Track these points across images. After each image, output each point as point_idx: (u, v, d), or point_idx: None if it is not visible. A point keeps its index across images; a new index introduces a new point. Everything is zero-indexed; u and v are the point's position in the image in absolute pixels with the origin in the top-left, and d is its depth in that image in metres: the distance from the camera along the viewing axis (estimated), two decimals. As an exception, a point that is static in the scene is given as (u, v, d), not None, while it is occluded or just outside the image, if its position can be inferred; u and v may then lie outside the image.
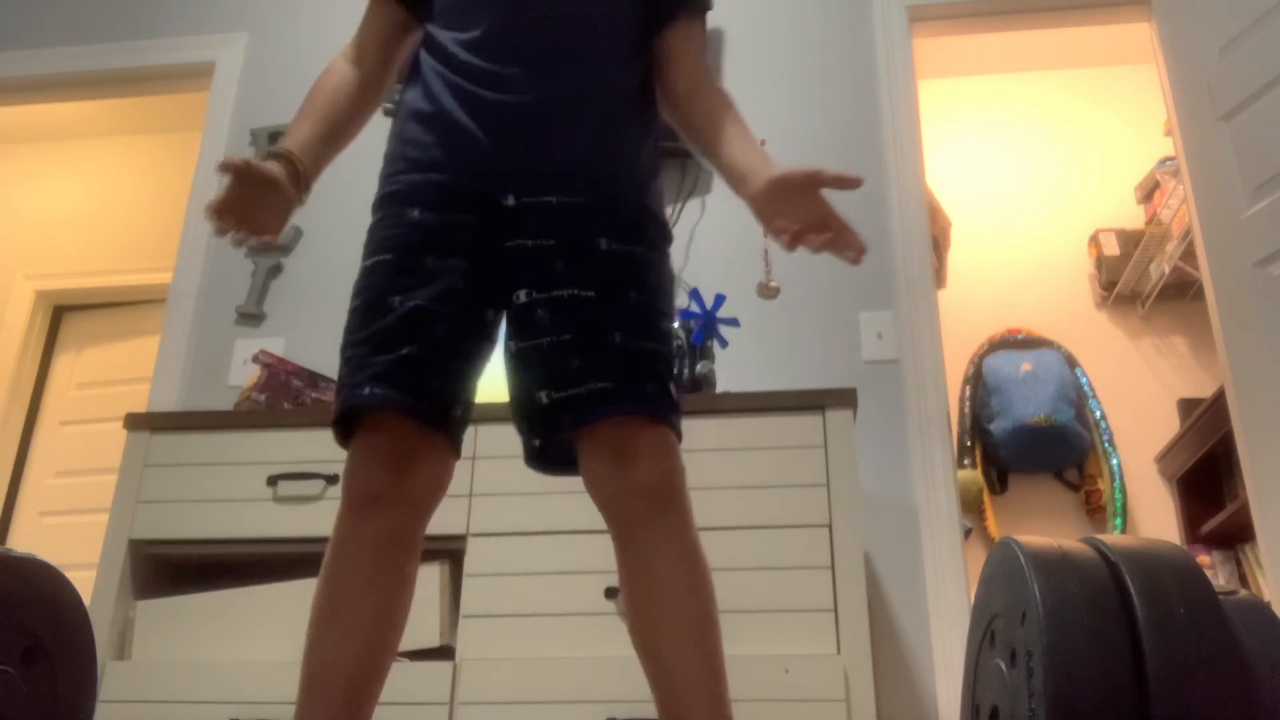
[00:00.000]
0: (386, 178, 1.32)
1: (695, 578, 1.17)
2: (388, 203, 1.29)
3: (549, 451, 1.24)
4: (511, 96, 1.26)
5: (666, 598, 1.16)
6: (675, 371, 1.26)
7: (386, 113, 1.50)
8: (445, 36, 1.33)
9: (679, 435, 1.22)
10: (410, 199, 1.27)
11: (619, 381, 1.17)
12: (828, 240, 1.15)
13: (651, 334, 1.22)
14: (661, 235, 1.32)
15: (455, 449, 1.25)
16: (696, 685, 1.13)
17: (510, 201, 1.25)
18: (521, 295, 1.23)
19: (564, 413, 1.18)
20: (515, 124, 1.26)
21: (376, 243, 1.28)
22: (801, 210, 1.16)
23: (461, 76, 1.29)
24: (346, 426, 1.21)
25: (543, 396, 1.20)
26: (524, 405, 1.24)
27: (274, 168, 1.22)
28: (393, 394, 1.17)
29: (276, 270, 2.89)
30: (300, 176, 1.25)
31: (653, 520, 1.16)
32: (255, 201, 1.19)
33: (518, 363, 1.24)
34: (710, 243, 2.73)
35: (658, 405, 1.19)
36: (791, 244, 1.15)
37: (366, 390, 1.18)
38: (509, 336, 1.26)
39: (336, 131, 1.33)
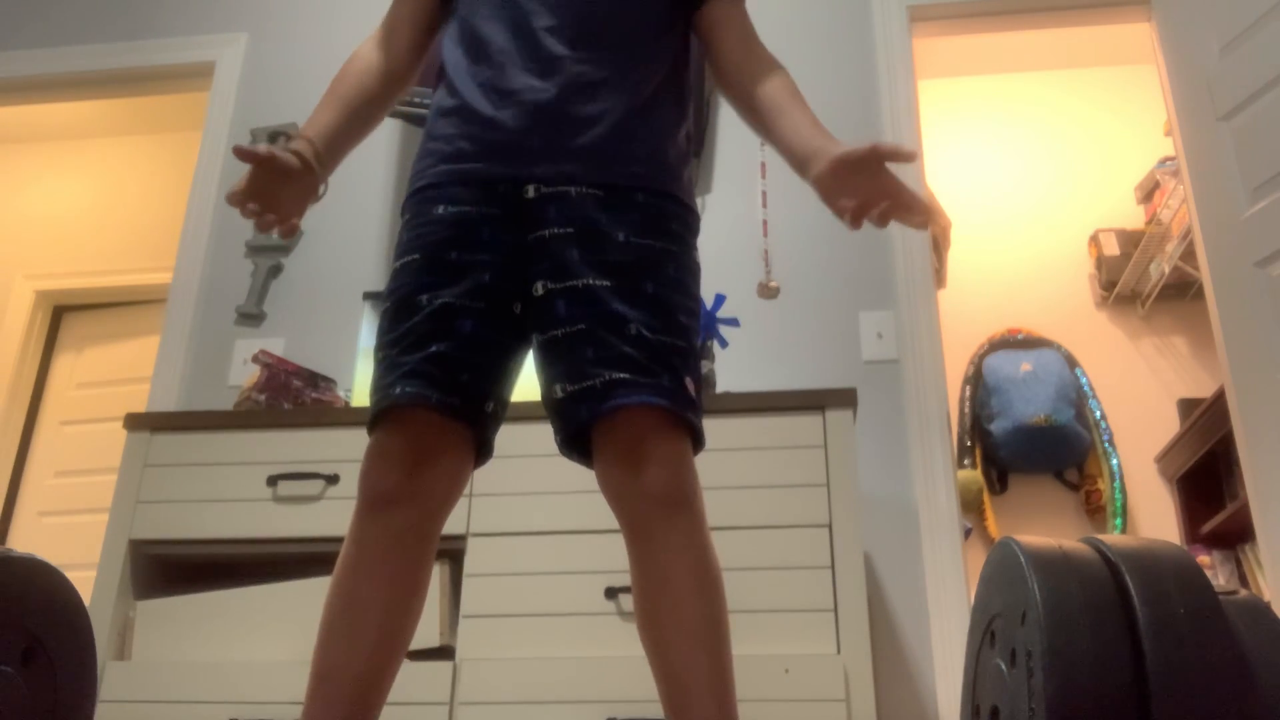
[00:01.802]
0: (415, 176, 1.32)
1: (705, 580, 1.16)
2: (415, 201, 1.29)
3: (573, 443, 1.23)
4: (535, 81, 1.26)
5: (675, 599, 1.15)
6: (698, 369, 1.24)
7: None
8: (469, 24, 1.33)
9: (698, 433, 1.20)
10: (437, 196, 1.27)
11: (633, 373, 1.16)
12: (888, 210, 1.13)
13: (668, 327, 1.20)
14: (686, 227, 1.30)
15: (483, 446, 1.25)
16: (702, 687, 1.13)
17: (531, 194, 1.24)
18: (539, 287, 1.22)
19: (579, 405, 1.18)
20: (539, 109, 1.25)
21: (404, 244, 1.28)
22: (866, 186, 1.14)
23: (484, 64, 1.29)
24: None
25: (558, 390, 1.20)
26: (545, 398, 1.23)
27: (293, 157, 1.23)
28: (424, 389, 1.18)
29: (276, 270, 2.89)
30: (319, 163, 1.26)
31: (664, 522, 1.16)
32: (276, 189, 1.21)
33: (539, 356, 1.24)
34: (710, 243, 2.72)
35: (672, 399, 1.17)
36: (854, 223, 1.13)
37: (398, 389, 1.18)
38: (533, 329, 1.25)
39: (359, 119, 1.34)
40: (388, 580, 1.18)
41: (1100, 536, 1.05)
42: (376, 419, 1.21)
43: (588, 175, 1.24)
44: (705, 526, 1.19)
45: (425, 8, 1.40)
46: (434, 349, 1.19)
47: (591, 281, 1.19)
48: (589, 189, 1.24)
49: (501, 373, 1.24)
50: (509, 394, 1.28)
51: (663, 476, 1.15)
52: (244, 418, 2.23)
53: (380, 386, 1.21)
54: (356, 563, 1.18)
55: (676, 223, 1.28)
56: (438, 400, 1.18)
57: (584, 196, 1.23)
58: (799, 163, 1.23)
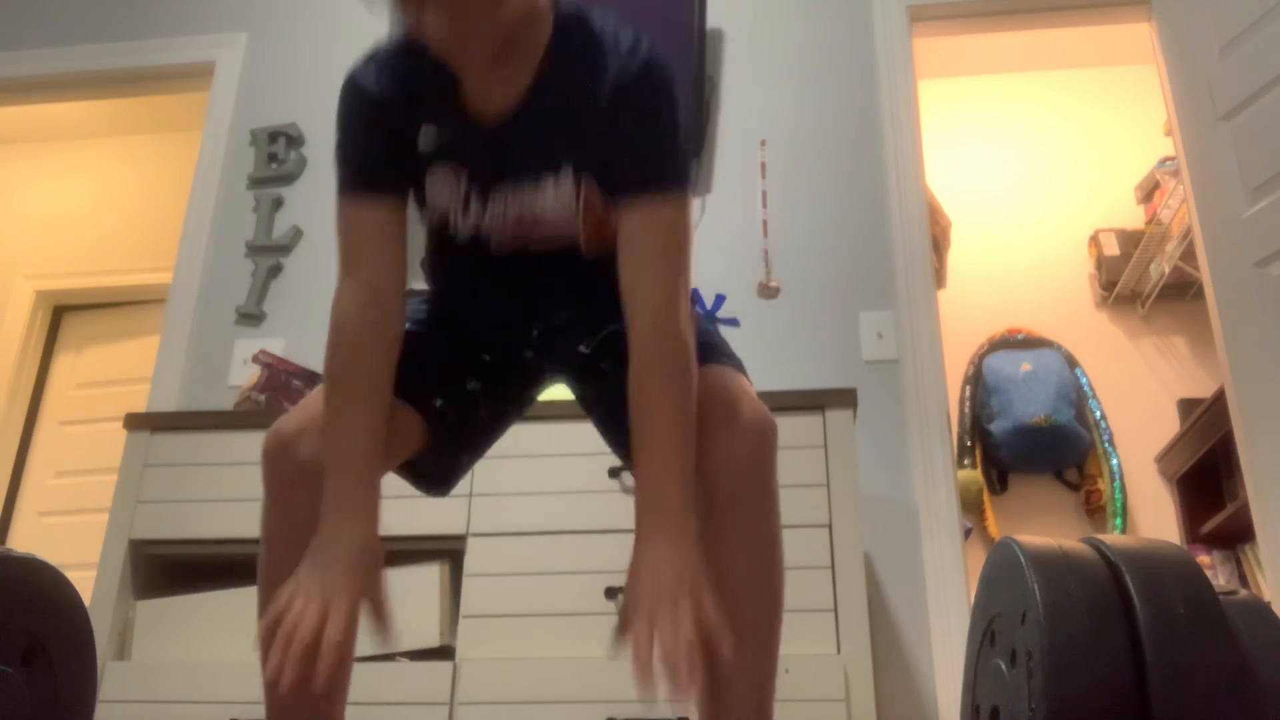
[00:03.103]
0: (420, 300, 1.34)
1: (764, 576, 1.16)
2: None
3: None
4: (510, 274, 1.26)
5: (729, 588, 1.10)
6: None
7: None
8: (435, 257, 1.33)
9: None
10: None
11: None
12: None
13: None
14: None
15: (439, 433, 1.23)
16: (742, 683, 1.13)
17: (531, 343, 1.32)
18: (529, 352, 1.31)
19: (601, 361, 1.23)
20: (512, 314, 1.30)
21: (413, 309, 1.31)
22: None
23: (459, 254, 1.26)
24: None
25: (583, 348, 1.25)
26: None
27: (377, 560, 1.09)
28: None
29: (276, 270, 2.89)
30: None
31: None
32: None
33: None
34: (710, 243, 2.73)
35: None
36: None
37: None
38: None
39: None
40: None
41: (1100, 536, 1.05)
42: None
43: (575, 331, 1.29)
44: (777, 518, 1.18)
45: (401, 220, 1.19)
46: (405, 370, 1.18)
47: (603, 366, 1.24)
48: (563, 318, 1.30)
49: (448, 381, 1.25)
50: (462, 399, 1.25)
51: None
52: (244, 418, 2.23)
53: None
54: (286, 527, 1.11)
55: None
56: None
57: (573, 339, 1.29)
58: None
